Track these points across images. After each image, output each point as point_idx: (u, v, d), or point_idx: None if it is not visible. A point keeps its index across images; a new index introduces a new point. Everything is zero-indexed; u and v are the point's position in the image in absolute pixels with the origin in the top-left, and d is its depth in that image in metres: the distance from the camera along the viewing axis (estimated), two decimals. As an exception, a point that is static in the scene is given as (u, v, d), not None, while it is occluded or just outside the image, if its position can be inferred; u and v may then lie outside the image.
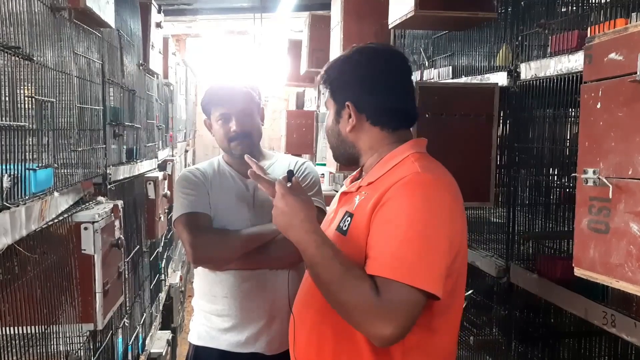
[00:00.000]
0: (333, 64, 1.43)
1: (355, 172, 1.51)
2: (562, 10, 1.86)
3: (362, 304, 1.18)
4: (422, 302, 1.18)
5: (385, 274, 1.18)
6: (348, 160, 1.45)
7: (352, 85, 1.38)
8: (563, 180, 1.92)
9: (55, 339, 1.55)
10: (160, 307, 4.08)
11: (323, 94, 1.45)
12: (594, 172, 1.07)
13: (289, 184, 1.39)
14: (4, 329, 1.24)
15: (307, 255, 1.27)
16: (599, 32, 1.13)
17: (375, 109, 1.37)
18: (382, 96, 1.37)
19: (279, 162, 2.00)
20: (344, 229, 1.32)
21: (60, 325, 1.58)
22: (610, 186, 1.03)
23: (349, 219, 1.33)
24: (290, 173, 1.42)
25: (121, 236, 2.02)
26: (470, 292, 2.09)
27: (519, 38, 1.94)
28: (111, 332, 2.23)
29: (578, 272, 1.13)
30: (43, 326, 1.46)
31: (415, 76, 2.86)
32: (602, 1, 1.66)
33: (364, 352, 1.28)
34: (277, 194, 1.34)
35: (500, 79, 2.01)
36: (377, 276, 1.19)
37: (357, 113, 1.36)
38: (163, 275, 4.31)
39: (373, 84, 1.38)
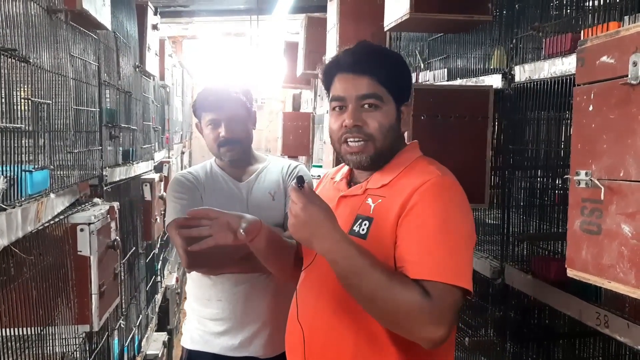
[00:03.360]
0: (387, 59, 1.39)
1: (342, 173, 1.48)
2: (556, 13, 1.87)
3: (414, 309, 1.16)
4: (462, 300, 1.21)
5: (433, 277, 1.18)
6: (380, 163, 1.38)
7: (408, 87, 1.41)
8: (557, 182, 1.93)
9: (51, 340, 1.55)
10: (156, 309, 4.08)
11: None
12: (586, 174, 1.08)
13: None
14: (0, 330, 1.25)
15: (341, 265, 1.21)
16: (591, 35, 1.14)
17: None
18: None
19: (271, 165, 2.00)
20: (362, 233, 1.30)
21: (56, 327, 1.58)
22: (602, 188, 1.04)
23: (367, 222, 1.30)
24: (301, 179, 1.35)
25: (117, 237, 2.03)
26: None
27: (514, 41, 1.95)
28: (107, 333, 2.23)
29: (571, 273, 1.14)
30: (39, 327, 1.46)
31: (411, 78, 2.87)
32: (595, 4, 1.67)
33: (388, 350, 1.27)
34: (296, 205, 1.24)
35: (494, 81, 2.02)
36: (424, 280, 1.18)
37: (410, 115, 1.40)
38: (159, 277, 4.31)
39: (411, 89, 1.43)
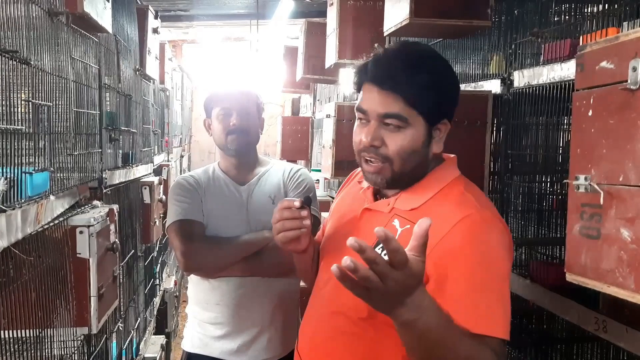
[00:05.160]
0: (422, 76, 1.18)
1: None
2: (555, 19, 1.88)
3: None
4: None
5: (492, 333, 1.09)
6: (402, 184, 1.25)
7: (448, 103, 1.25)
8: (555, 187, 1.93)
9: (49, 343, 1.55)
10: (155, 312, 4.07)
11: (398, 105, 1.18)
12: (586, 179, 1.08)
13: (304, 212, 1.22)
14: (-2, 332, 1.25)
15: (429, 338, 1.00)
16: (590, 41, 1.14)
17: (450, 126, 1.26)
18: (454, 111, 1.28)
19: (274, 168, 2.01)
20: (384, 256, 1.18)
21: (54, 329, 1.58)
22: (602, 192, 1.04)
23: None
24: (308, 200, 1.24)
25: (116, 240, 2.03)
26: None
27: (513, 46, 1.96)
28: (105, 336, 2.23)
29: (570, 277, 1.14)
30: (37, 330, 1.46)
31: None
32: (594, 10, 1.68)
33: None
34: (394, 277, 0.91)
35: (493, 86, 2.02)
36: (485, 335, 1.07)
37: (446, 133, 1.24)
38: (157, 280, 4.31)
39: (457, 100, 1.27)
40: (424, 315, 0.98)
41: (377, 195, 1.32)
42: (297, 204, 1.22)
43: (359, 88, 1.26)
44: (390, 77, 1.18)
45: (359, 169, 1.43)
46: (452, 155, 1.32)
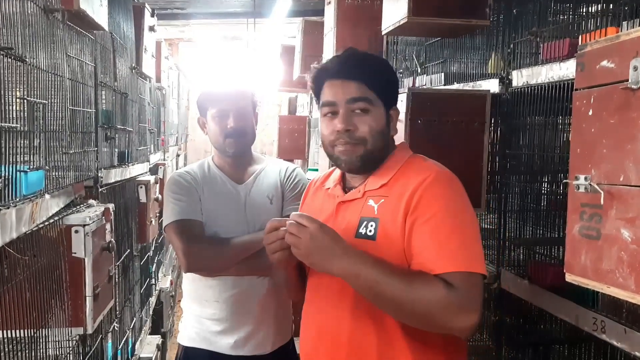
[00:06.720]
0: (374, 65, 1.42)
1: (334, 180, 1.47)
2: (554, 18, 1.87)
3: (442, 304, 1.19)
4: (482, 283, 1.25)
5: (451, 269, 1.21)
6: (372, 165, 1.40)
7: (395, 91, 1.45)
8: (553, 187, 1.92)
9: (44, 343, 1.54)
10: (150, 312, 4.06)
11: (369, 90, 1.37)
12: (586, 179, 1.08)
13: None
14: (-8, 332, 1.24)
15: (362, 279, 1.22)
16: (590, 40, 1.13)
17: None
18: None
19: (269, 166, 2.00)
20: (370, 234, 1.31)
21: (49, 329, 1.57)
22: (602, 193, 1.03)
23: (373, 223, 1.31)
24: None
25: (112, 239, 2.01)
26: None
27: (511, 45, 1.95)
28: (101, 336, 2.21)
29: (569, 278, 1.14)
30: (32, 330, 1.45)
31: (408, 82, 2.88)
32: (593, 10, 1.67)
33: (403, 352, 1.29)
34: (307, 229, 1.23)
35: (492, 86, 2.02)
36: (444, 273, 1.21)
37: (397, 119, 1.42)
38: (153, 280, 4.29)
39: (397, 91, 1.48)
40: (352, 259, 1.21)
41: (345, 189, 1.44)
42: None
43: (318, 91, 1.42)
44: (351, 68, 1.37)
45: (317, 178, 1.58)
46: (403, 142, 1.50)
